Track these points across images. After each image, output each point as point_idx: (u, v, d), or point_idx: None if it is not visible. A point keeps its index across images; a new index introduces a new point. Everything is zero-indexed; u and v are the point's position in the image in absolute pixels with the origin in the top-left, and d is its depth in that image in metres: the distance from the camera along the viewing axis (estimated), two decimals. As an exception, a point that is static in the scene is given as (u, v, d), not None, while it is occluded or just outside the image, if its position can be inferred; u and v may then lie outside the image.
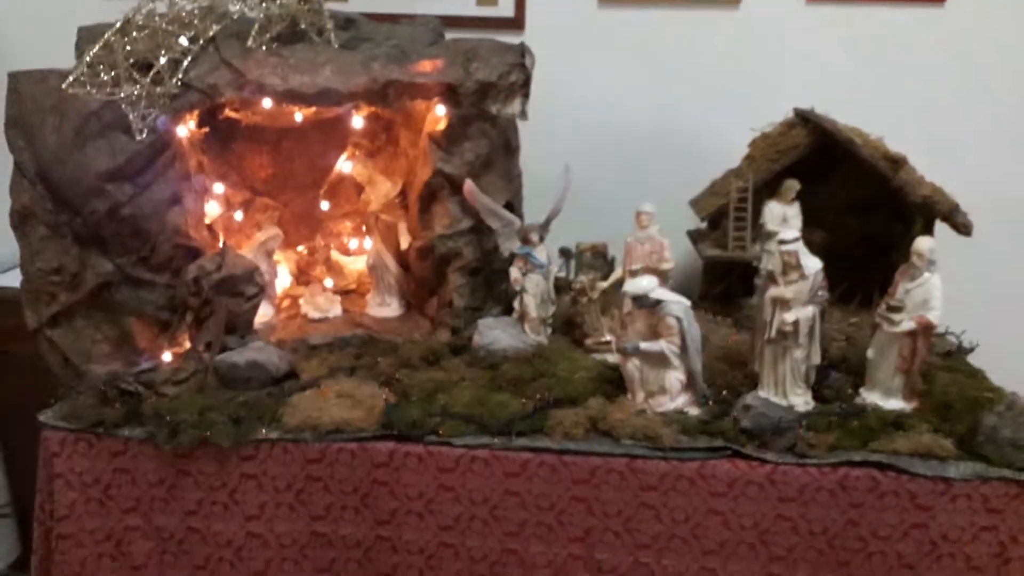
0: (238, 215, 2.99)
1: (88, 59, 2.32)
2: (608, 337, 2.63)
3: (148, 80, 2.34)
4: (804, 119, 2.86)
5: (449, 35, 2.84)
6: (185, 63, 2.40)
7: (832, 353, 2.49)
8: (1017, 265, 3.37)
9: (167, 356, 2.51)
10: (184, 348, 2.53)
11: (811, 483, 2.07)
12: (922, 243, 2.24)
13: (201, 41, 2.44)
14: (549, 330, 2.68)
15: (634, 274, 2.54)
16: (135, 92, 2.33)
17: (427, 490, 2.18)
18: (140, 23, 2.38)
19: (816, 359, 2.28)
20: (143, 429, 2.22)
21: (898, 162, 2.67)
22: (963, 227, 2.66)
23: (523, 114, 2.64)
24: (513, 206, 2.73)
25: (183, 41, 2.40)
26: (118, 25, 2.36)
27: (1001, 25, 3.16)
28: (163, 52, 2.37)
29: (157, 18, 2.40)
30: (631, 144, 3.33)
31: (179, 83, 2.39)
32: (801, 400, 2.29)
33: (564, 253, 2.92)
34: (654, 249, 2.59)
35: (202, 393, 2.33)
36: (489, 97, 2.58)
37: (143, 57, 2.36)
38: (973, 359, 2.59)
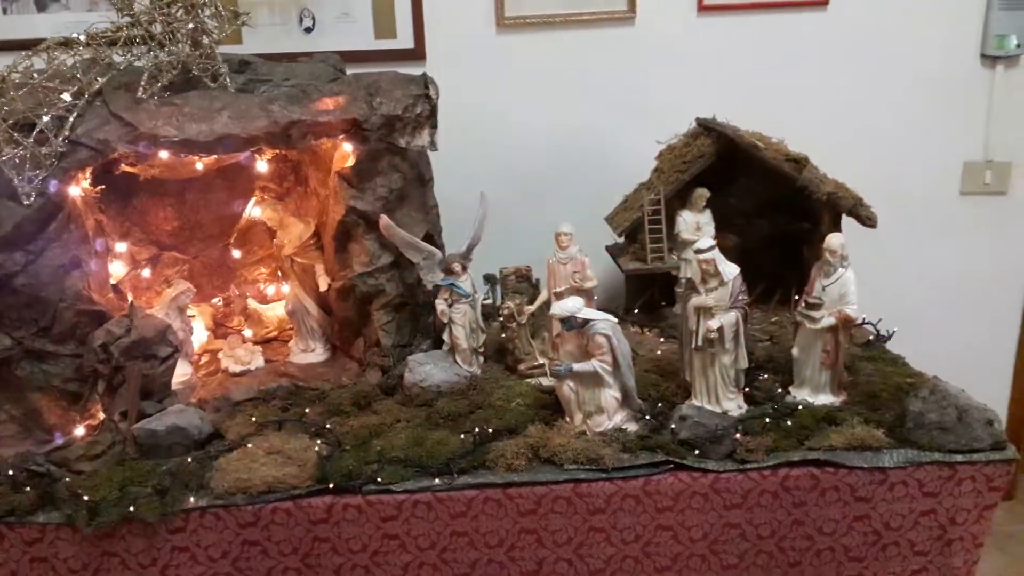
0: (145, 272, 2.86)
1: (-37, 123, 2.18)
2: (540, 360, 2.62)
3: (31, 140, 2.21)
4: (707, 128, 2.92)
5: (349, 70, 2.80)
6: (71, 119, 2.28)
7: (758, 354, 2.54)
8: (917, 251, 3.52)
9: (80, 430, 2.37)
10: (98, 420, 2.39)
11: (754, 488, 2.09)
12: (833, 240, 2.30)
13: (86, 95, 2.32)
14: (481, 359, 2.65)
15: (559, 296, 2.53)
16: (18, 154, 2.20)
17: (371, 542, 2.11)
18: (17, 81, 2.26)
19: (744, 363, 2.31)
20: (59, 512, 2.07)
21: (800, 162, 2.76)
22: (868, 220, 2.75)
23: (433, 145, 2.61)
24: (432, 237, 2.69)
25: (66, 97, 2.28)
26: (-7, 85, 2.23)
27: (881, 22, 3.31)
28: (45, 110, 2.25)
29: (36, 75, 2.28)
30: (543, 165, 3.35)
31: (66, 141, 2.27)
32: (734, 405, 2.32)
33: (489, 279, 2.90)
34: (576, 268, 2.59)
35: (122, 466, 2.20)
36: (396, 130, 2.54)
37: (24, 116, 2.23)
38: (890, 345, 2.68)
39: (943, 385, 2.26)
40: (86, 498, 2.06)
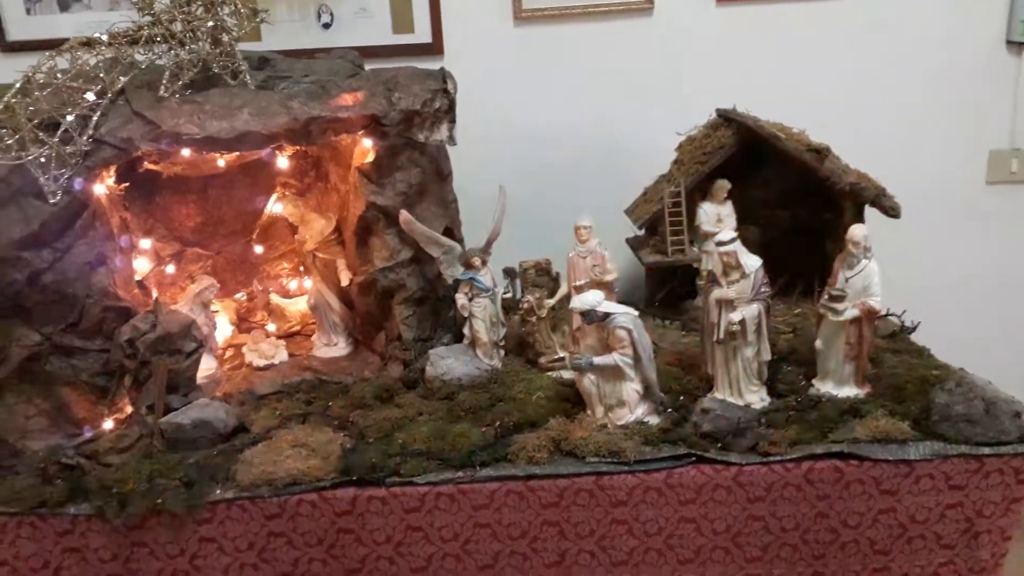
0: (169, 268, 2.90)
1: (-11, 123, 2.21)
2: (561, 354, 2.62)
3: (56, 140, 2.24)
4: (727, 119, 2.90)
5: (368, 65, 2.81)
6: (94, 119, 2.30)
7: (781, 347, 2.52)
8: (942, 242, 3.47)
9: (108, 424, 2.40)
10: (125, 414, 2.42)
11: (777, 481, 2.09)
12: (856, 231, 2.28)
13: (109, 95, 2.34)
14: (502, 353, 2.65)
15: (579, 289, 2.53)
16: (43, 153, 2.23)
17: (394, 533, 2.13)
18: (41, 81, 2.28)
19: (766, 355, 2.30)
20: (90, 504, 2.11)
21: (822, 152, 2.73)
22: (891, 210, 2.73)
23: (451, 139, 2.61)
24: (452, 231, 2.70)
25: (90, 96, 2.31)
26: (18, 85, 2.25)
27: (904, 8, 3.26)
28: (69, 109, 2.27)
29: (59, 75, 2.30)
30: (562, 158, 3.34)
31: (90, 140, 2.29)
32: (756, 397, 2.31)
33: (508, 273, 2.90)
34: (596, 262, 2.59)
35: (149, 459, 2.23)
36: (415, 126, 2.55)
37: (48, 116, 2.25)
38: (916, 337, 2.66)
39: (970, 377, 2.24)
40: (115, 490, 2.10)
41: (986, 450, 2.07)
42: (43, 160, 2.23)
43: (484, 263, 2.57)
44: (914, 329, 2.66)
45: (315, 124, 2.44)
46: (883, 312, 2.52)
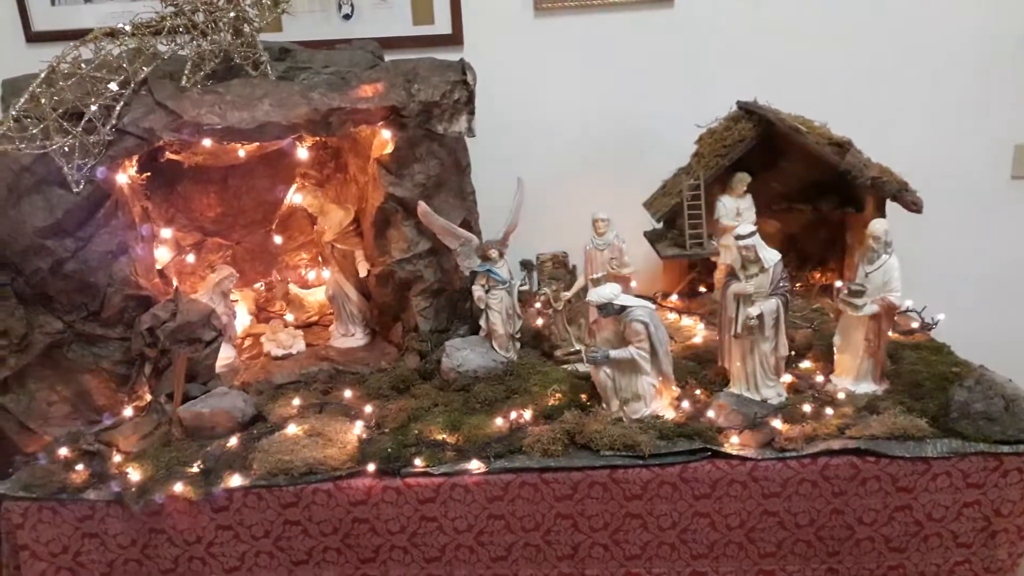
0: (190, 258, 2.93)
1: (14, 113, 2.24)
2: (577, 347, 2.62)
3: (80, 129, 2.27)
4: (748, 112, 2.88)
5: (388, 56, 2.81)
6: (118, 108, 2.33)
7: (799, 341, 2.51)
8: (965, 237, 3.43)
9: (128, 411, 2.43)
10: (145, 401, 2.45)
11: (793, 476, 2.07)
12: (876, 226, 2.26)
13: (132, 85, 2.37)
14: (518, 345, 2.65)
15: (596, 282, 2.53)
16: (67, 143, 2.26)
17: (409, 523, 2.14)
18: (66, 71, 2.31)
19: (784, 350, 2.29)
20: (109, 490, 2.13)
21: (843, 146, 2.70)
22: (913, 205, 2.69)
23: (470, 131, 2.61)
24: (469, 224, 2.70)
25: (113, 86, 2.33)
26: (43, 75, 2.28)
27: (922, 3, 3.21)
28: (93, 99, 2.30)
29: (83, 65, 2.33)
30: (580, 150, 3.33)
31: (113, 130, 2.32)
32: (773, 392, 2.30)
33: (525, 266, 2.90)
34: (613, 254, 2.59)
35: (168, 446, 2.26)
36: (434, 117, 2.55)
37: (72, 106, 2.28)
38: (936, 333, 2.63)
39: (990, 374, 2.21)
40: (134, 477, 2.13)
41: (1005, 448, 2.05)
42: (67, 149, 2.26)
43: (501, 255, 2.58)
44: (934, 325, 2.63)
45: (335, 115, 2.45)
46: (903, 308, 2.50)
